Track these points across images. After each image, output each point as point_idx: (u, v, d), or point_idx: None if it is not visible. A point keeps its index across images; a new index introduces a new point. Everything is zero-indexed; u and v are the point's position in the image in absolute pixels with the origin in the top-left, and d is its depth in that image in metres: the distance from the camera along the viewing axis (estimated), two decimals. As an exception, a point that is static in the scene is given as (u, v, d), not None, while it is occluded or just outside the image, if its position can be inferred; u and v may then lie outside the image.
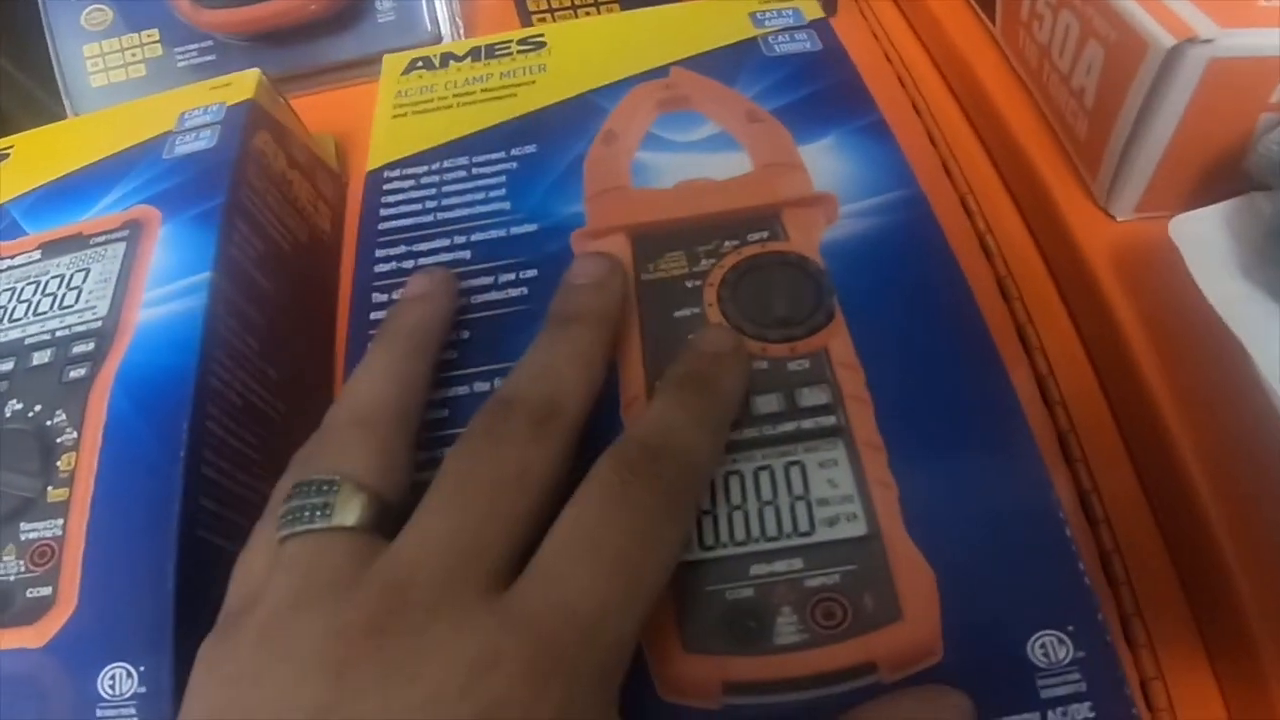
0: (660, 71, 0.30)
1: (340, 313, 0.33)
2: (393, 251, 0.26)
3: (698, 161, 0.27)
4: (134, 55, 0.43)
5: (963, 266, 0.24)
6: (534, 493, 0.19)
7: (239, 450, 0.26)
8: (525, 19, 0.44)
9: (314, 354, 0.32)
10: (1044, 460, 0.21)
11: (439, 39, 0.44)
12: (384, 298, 0.25)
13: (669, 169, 0.27)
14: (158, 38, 0.44)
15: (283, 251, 0.32)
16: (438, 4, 0.44)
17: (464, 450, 0.20)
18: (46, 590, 0.23)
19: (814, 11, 0.32)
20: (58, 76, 0.44)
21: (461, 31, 0.45)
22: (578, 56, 0.32)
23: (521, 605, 0.17)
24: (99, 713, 0.21)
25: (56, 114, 0.45)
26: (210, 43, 0.44)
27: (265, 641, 0.18)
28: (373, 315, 0.25)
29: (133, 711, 0.21)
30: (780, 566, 0.20)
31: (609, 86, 0.30)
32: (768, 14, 0.32)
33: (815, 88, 0.29)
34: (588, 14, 0.43)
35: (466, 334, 0.24)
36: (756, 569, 0.20)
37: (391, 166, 0.29)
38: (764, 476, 0.21)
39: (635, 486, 0.19)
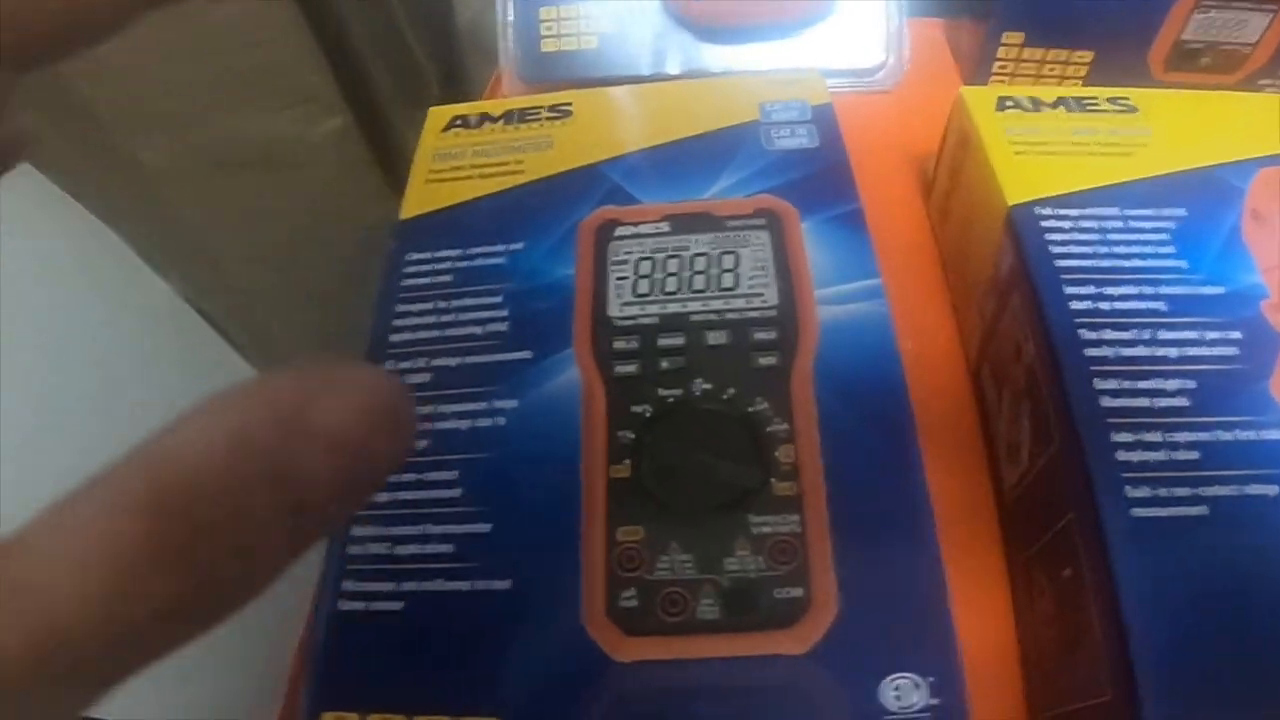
0: None
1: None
2: (1082, 290, 0.26)
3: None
4: (587, 25, 0.43)
5: None
6: None
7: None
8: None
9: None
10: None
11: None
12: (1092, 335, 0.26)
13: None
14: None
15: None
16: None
17: None
18: (798, 591, 0.22)
19: None
20: (502, 38, 0.43)
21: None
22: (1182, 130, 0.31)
23: None
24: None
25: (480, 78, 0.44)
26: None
27: None
28: (1087, 352, 0.25)
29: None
30: None
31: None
32: None
33: None
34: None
35: None
36: None
37: (1043, 203, 0.28)
38: None
39: None
